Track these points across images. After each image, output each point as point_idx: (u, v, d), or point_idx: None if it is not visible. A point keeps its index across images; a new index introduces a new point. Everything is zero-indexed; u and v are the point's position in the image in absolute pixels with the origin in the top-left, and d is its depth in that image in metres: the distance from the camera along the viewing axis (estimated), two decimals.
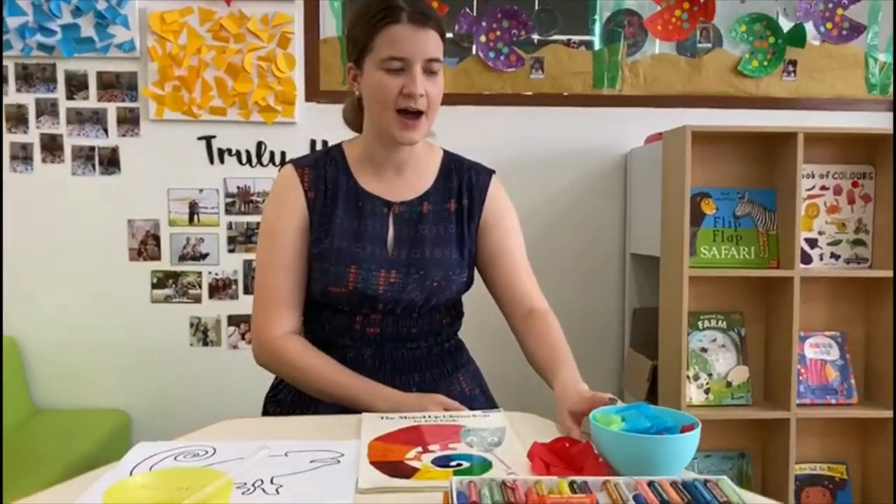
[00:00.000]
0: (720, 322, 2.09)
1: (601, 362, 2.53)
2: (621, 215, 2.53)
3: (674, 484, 0.82)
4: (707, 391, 2.05)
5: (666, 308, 2.10)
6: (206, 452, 1.03)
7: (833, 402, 2.05)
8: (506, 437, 1.05)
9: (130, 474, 0.94)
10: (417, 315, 1.36)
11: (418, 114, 1.26)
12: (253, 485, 0.92)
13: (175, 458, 1.01)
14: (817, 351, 2.08)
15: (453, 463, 0.97)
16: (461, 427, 1.10)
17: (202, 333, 2.48)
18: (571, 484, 0.82)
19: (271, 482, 0.93)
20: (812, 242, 2.10)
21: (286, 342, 1.32)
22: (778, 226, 2.07)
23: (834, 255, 2.10)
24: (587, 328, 2.52)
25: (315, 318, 1.39)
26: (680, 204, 1.98)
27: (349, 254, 1.31)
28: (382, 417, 1.17)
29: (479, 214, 1.40)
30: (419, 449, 1.02)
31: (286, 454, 1.02)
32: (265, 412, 1.43)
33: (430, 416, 1.17)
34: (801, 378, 2.04)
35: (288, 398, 1.38)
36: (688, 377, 2.03)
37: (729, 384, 2.05)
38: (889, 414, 2.01)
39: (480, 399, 1.42)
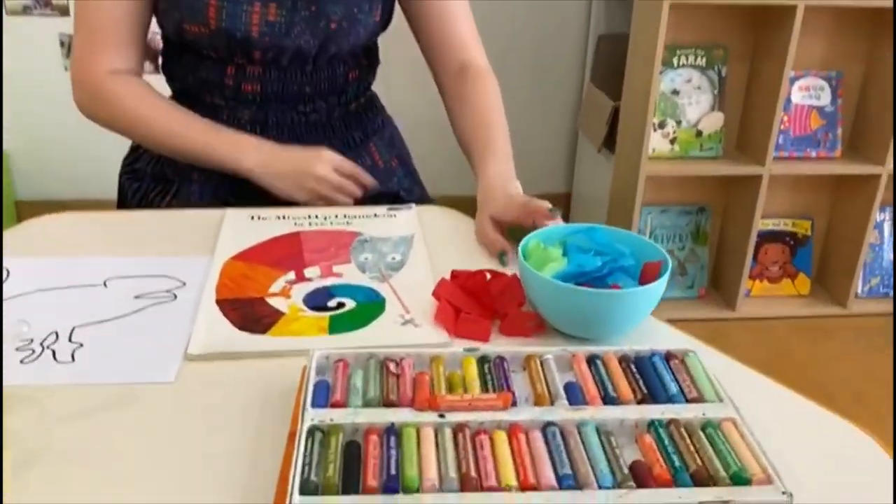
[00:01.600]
0: (699, 58, 1.76)
1: (554, 98, 2.24)
2: None
3: (624, 360, 0.61)
4: (673, 141, 1.79)
5: (638, 37, 1.78)
6: None
7: (813, 155, 1.81)
8: (411, 252, 0.83)
9: None
10: (312, 68, 1.00)
11: None
12: (42, 343, 0.67)
13: None
14: (805, 95, 1.79)
15: (332, 303, 0.73)
16: (356, 236, 0.83)
17: None
18: (482, 361, 0.61)
19: (70, 339, 0.67)
20: None
21: (116, 81, 0.97)
22: None
23: None
24: (542, 56, 2.19)
25: (174, 65, 1.03)
26: None
27: None
28: (252, 218, 0.89)
29: None
30: (291, 276, 0.77)
31: (104, 283, 0.75)
32: (120, 188, 1.12)
33: (316, 218, 0.89)
34: (781, 127, 1.76)
35: (148, 167, 1.08)
36: (653, 124, 1.75)
37: (699, 133, 1.79)
38: (874, 170, 1.79)
39: (399, 173, 1.13)
